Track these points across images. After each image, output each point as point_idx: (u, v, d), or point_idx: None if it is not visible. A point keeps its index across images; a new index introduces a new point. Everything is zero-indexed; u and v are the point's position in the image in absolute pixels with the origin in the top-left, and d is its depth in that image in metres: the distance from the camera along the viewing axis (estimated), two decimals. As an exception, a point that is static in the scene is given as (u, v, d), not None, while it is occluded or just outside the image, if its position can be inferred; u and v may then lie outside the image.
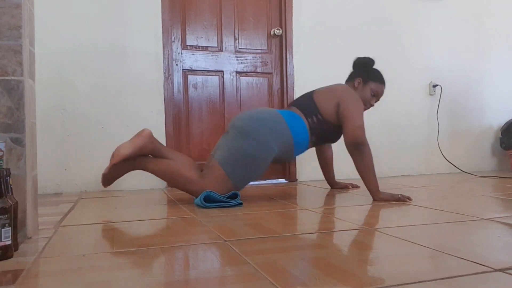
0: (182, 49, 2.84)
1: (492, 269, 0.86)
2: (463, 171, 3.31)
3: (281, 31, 3.00)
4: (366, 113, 3.16)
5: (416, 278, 0.81)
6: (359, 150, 1.90)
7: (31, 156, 1.22)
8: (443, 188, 2.38)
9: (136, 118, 2.65)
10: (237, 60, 2.96)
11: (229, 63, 2.95)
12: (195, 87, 2.88)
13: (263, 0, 3.02)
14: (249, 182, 1.95)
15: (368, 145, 1.92)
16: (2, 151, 1.12)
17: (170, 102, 2.74)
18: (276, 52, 3.06)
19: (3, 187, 0.99)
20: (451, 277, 0.81)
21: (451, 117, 3.50)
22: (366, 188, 1.96)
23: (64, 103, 2.53)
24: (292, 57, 3.03)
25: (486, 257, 0.94)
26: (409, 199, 1.87)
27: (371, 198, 1.94)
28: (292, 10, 3.02)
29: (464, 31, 3.55)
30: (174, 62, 2.81)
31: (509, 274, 0.83)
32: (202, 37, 2.89)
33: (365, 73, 2.16)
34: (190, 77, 2.86)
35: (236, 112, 2.91)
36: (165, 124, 2.72)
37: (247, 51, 3.00)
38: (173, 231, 1.34)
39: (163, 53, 2.73)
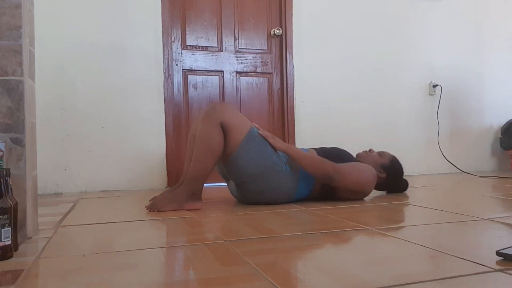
0: (182, 49, 2.84)
1: (492, 269, 0.86)
2: (463, 171, 3.31)
3: (281, 31, 3.00)
4: (365, 113, 3.18)
5: (416, 278, 0.81)
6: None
7: (31, 156, 1.22)
8: (443, 188, 2.37)
9: (136, 118, 2.65)
10: (237, 60, 2.96)
11: (229, 63, 2.95)
12: (195, 87, 2.88)
13: (263, 0, 3.02)
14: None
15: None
16: (2, 151, 1.12)
17: (170, 102, 2.74)
18: (276, 52, 3.06)
19: (3, 187, 0.99)
20: (451, 277, 0.81)
21: (451, 117, 3.50)
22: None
23: (64, 103, 2.53)
24: (292, 57, 3.03)
25: (486, 257, 0.94)
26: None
27: (370, 198, 1.94)
28: (292, 10, 3.02)
29: (464, 31, 3.54)
30: (174, 62, 2.80)
31: (509, 274, 0.83)
32: (202, 37, 2.89)
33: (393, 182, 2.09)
34: (190, 77, 2.86)
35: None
36: (165, 124, 2.72)
37: (247, 51, 2.99)
38: (173, 231, 1.34)
39: (163, 53, 2.73)
